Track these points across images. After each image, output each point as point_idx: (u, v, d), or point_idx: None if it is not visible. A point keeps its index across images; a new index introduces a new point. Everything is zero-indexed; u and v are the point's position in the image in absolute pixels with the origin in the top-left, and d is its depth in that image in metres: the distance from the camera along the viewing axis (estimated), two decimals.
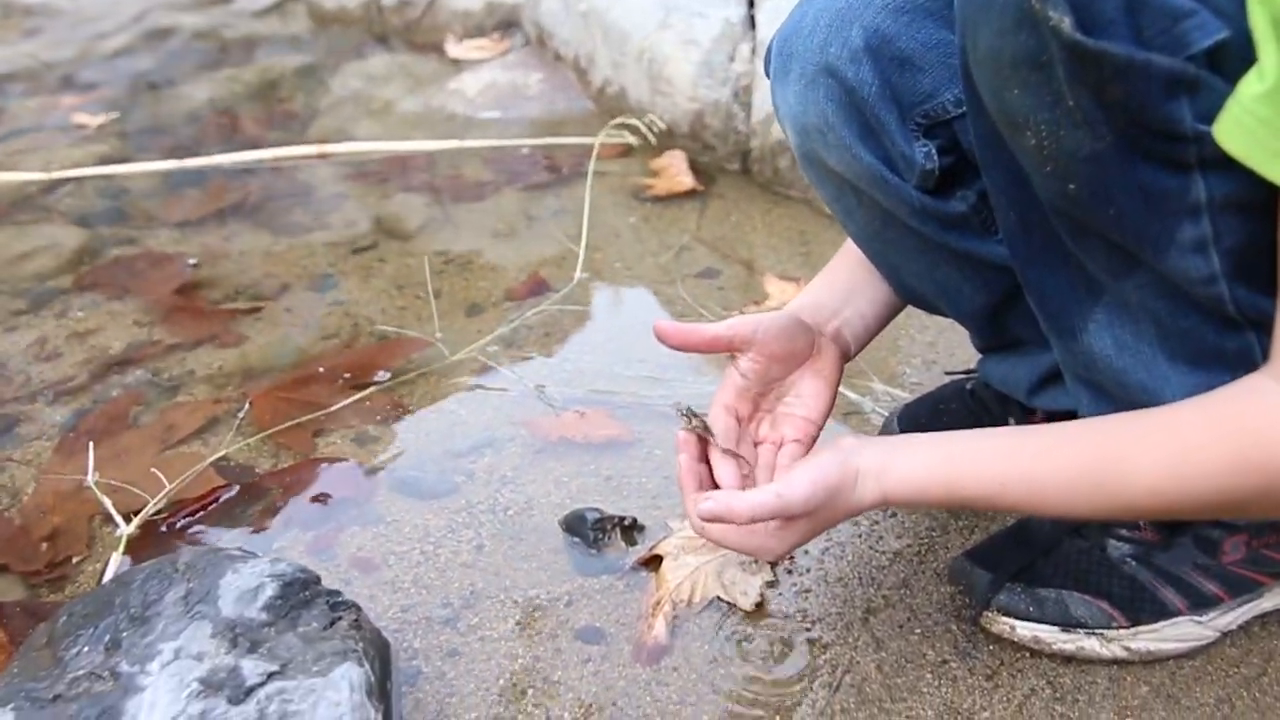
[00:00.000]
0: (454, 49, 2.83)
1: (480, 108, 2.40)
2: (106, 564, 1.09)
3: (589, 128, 2.21)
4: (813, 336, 0.92)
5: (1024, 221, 0.80)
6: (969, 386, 1.14)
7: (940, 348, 1.39)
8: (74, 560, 1.13)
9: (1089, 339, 0.81)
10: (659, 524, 1.11)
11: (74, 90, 2.80)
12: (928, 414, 1.12)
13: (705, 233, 1.76)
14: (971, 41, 0.69)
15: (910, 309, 1.06)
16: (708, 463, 0.89)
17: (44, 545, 1.16)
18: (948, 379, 1.20)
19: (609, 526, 1.09)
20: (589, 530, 1.08)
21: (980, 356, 1.12)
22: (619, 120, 2.07)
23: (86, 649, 0.85)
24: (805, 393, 0.92)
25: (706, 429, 0.89)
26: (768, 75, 0.95)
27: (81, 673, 0.82)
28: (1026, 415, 1.06)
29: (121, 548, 1.11)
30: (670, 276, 1.63)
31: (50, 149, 2.31)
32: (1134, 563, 0.90)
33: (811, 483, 0.78)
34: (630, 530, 1.09)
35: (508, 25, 2.90)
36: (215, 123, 2.48)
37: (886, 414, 1.23)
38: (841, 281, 1.01)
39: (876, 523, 1.09)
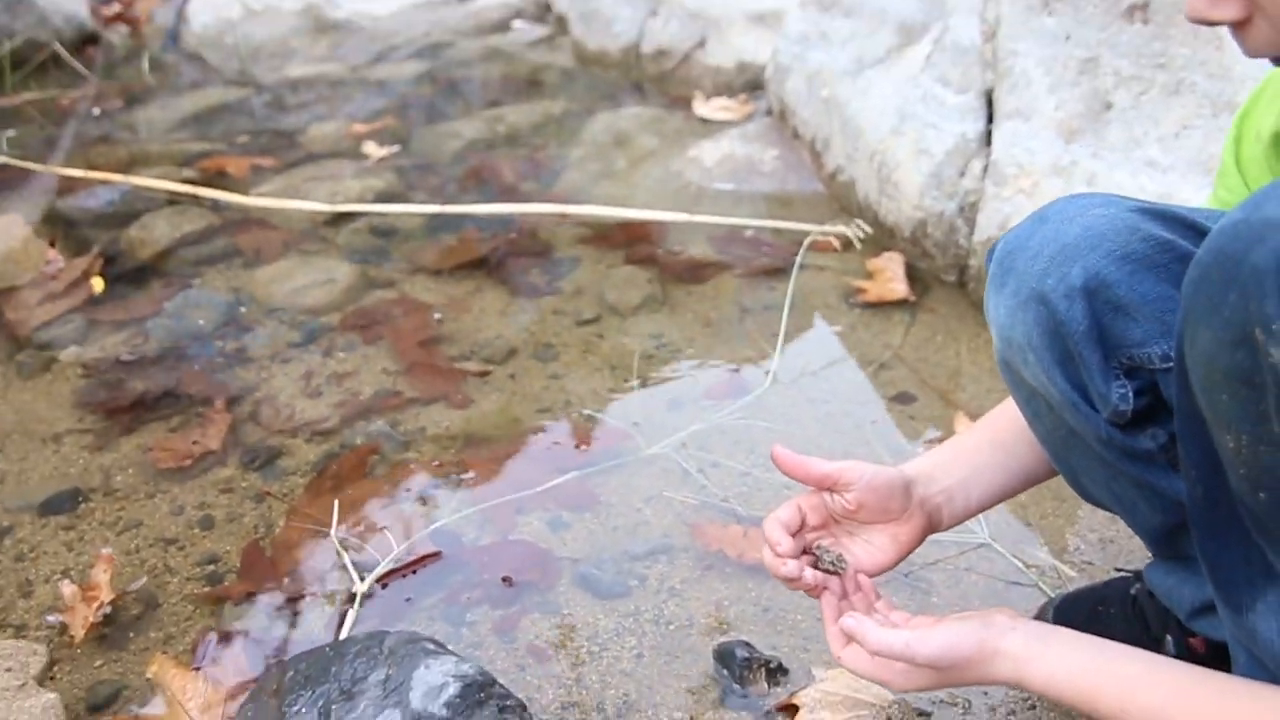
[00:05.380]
0: (701, 107, 2.96)
1: (715, 178, 2.52)
2: (344, 618, 1.28)
3: (816, 211, 2.28)
4: (909, 504, 0.98)
5: (1210, 499, 0.81)
6: (1133, 591, 1.14)
7: (1121, 526, 1.38)
8: (306, 599, 1.34)
9: (1255, 618, 0.82)
10: (804, 668, 1.19)
11: (363, 115, 3.14)
12: (1085, 615, 1.14)
13: (908, 350, 1.80)
14: (1190, 336, 0.71)
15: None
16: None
17: (286, 580, 1.37)
18: (1116, 574, 1.20)
19: (755, 666, 1.18)
20: (737, 666, 1.18)
21: (1151, 560, 1.12)
22: (826, 228, 2.13)
23: (304, 710, 1.03)
24: (874, 544, 0.98)
25: (839, 566, 0.97)
26: (987, 270, 1.00)
27: None
28: (1185, 636, 1.06)
29: (358, 604, 1.30)
30: (864, 397, 1.69)
31: (337, 179, 2.63)
32: None
33: (942, 648, 0.85)
34: (775, 673, 1.18)
35: (755, 88, 3.00)
36: (477, 166, 2.72)
37: (1050, 593, 1.25)
38: (965, 460, 1.05)
39: (1013, 713, 1.12)
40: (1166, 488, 0.94)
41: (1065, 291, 0.87)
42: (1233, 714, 0.75)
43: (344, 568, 1.37)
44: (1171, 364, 0.86)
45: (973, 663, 0.86)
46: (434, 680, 1.04)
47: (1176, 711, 0.78)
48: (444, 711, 1.02)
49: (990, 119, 1.96)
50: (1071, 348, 0.89)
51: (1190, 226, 0.89)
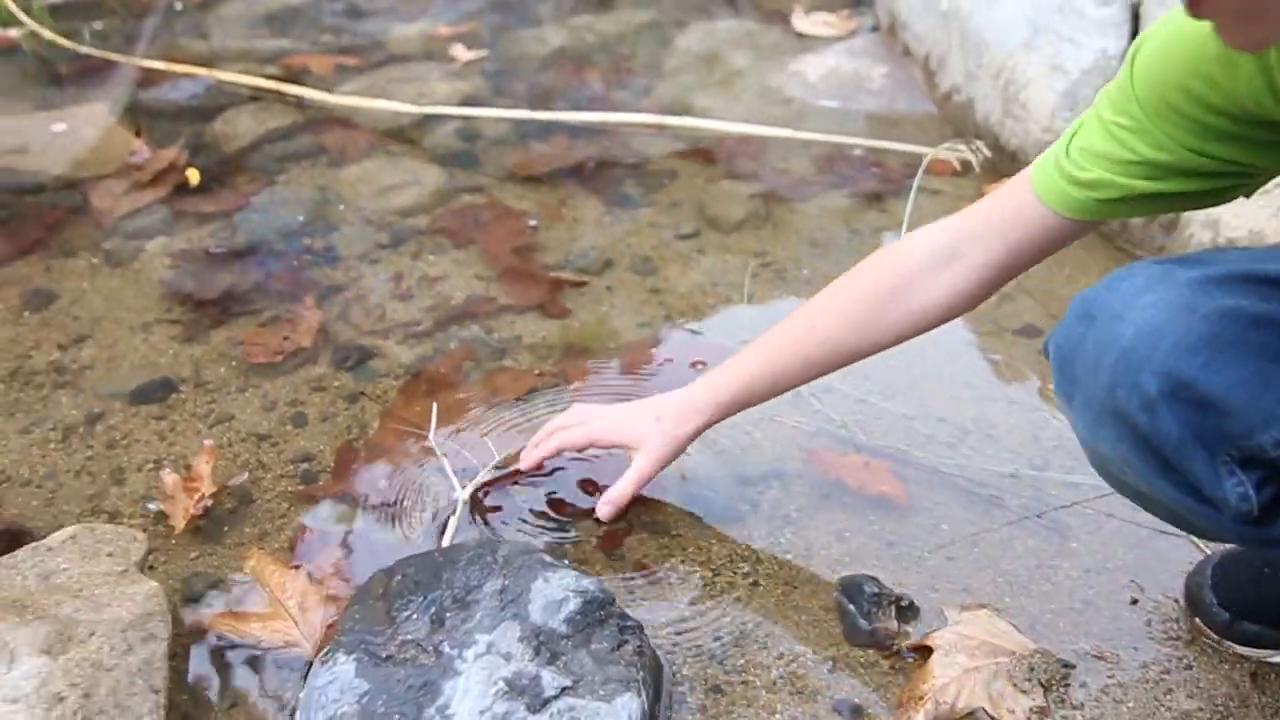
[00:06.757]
0: (800, 22, 2.81)
1: (819, 95, 2.38)
2: (445, 524, 1.23)
3: (926, 133, 2.15)
4: (642, 441, 1.21)
5: None
6: None
7: None
8: (404, 503, 1.28)
9: None
10: (934, 609, 1.12)
11: (448, 19, 3.03)
12: (1247, 575, 1.05)
13: (1033, 281, 1.69)
14: None
15: None
16: None
17: (382, 483, 1.32)
18: None
19: (885, 602, 1.10)
20: (865, 602, 1.10)
21: None
22: (948, 144, 1.99)
23: (415, 616, 0.98)
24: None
25: None
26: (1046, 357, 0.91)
27: (409, 639, 0.95)
28: None
29: (458, 511, 1.24)
30: (990, 328, 1.58)
31: (423, 81, 2.53)
32: None
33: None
34: (905, 611, 1.10)
35: (859, 2, 2.84)
36: (566, 73, 2.61)
37: (1203, 548, 1.17)
38: (759, 390, 1.20)
39: (1168, 672, 1.04)
40: None
41: (1141, 404, 0.76)
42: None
43: (442, 473, 1.31)
44: None
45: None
46: (554, 594, 0.98)
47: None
48: (564, 628, 0.96)
49: (1135, 34, 1.80)
50: (1169, 459, 0.78)
51: (1248, 280, 0.77)
